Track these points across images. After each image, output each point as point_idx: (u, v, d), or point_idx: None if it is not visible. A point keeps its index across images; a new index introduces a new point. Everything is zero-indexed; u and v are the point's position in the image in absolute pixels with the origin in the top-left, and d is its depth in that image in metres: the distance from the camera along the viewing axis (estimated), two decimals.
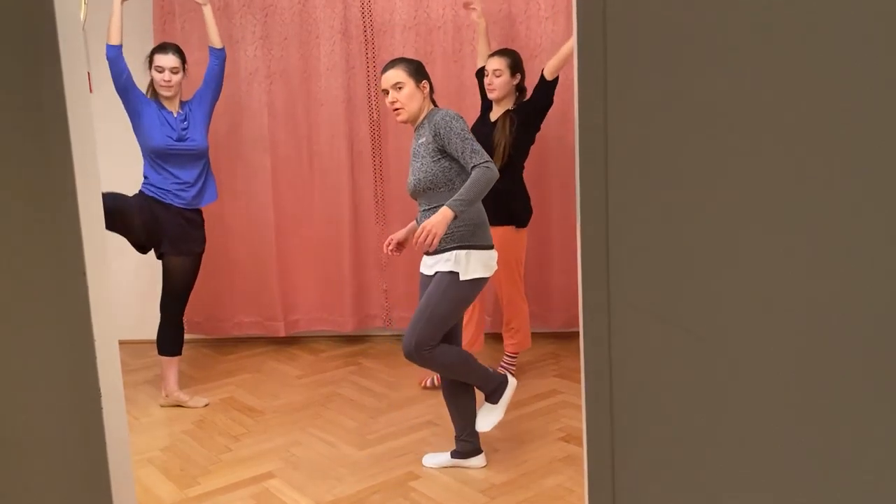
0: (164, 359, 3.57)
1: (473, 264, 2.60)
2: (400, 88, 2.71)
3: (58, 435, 1.21)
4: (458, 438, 2.81)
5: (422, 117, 2.76)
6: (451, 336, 2.74)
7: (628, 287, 1.07)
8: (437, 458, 2.84)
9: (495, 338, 4.44)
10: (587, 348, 1.10)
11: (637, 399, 1.09)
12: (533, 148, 4.23)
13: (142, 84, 3.63)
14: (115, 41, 3.38)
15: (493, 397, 2.75)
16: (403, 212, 4.30)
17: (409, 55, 4.12)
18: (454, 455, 2.81)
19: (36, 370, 1.19)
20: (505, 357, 3.82)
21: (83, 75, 1.18)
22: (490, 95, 3.64)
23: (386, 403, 3.51)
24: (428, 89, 2.77)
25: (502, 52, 3.62)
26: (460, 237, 2.62)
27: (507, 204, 3.54)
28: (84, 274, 1.17)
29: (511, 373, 3.71)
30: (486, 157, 2.56)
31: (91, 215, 1.18)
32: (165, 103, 3.55)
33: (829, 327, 1.02)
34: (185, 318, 4.49)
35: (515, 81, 3.60)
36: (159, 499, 2.68)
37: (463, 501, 2.57)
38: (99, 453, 1.21)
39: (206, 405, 3.58)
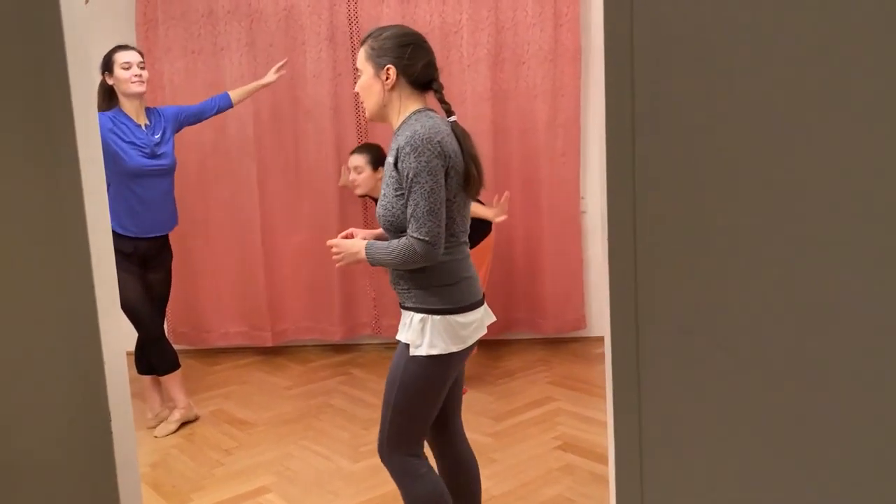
0: (151, 378, 3.47)
1: (432, 336, 1.85)
2: (359, 77, 1.97)
3: (66, 458, 1.16)
4: None
5: (398, 119, 1.94)
6: (448, 422, 2.13)
7: (656, 301, 1.06)
8: None
9: (481, 345, 4.42)
10: (615, 362, 1.08)
11: (666, 413, 1.08)
12: (522, 156, 4.23)
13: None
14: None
15: None
16: None
17: None
18: None
19: (45, 387, 1.14)
20: None
21: (88, 64, 1.14)
22: (356, 192, 3.72)
23: (378, 414, 3.47)
24: (394, 76, 1.89)
25: (362, 149, 3.69)
26: (417, 297, 1.89)
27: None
28: (93, 288, 1.13)
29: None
30: (430, 228, 1.79)
31: (99, 231, 1.14)
32: (129, 110, 3.21)
33: (861, 338, 1.02)
34: (170, 329, 4.42)
35: (379, 175, 3.60)
36: None
37: None
38: (108, 473, 1.17)
39: (178, 424, 3.43)
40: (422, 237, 1.79)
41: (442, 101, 1.98)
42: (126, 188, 3.21)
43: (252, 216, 4.33)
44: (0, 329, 1.13)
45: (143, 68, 3.23)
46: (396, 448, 1.94)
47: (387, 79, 1.90)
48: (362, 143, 3.80)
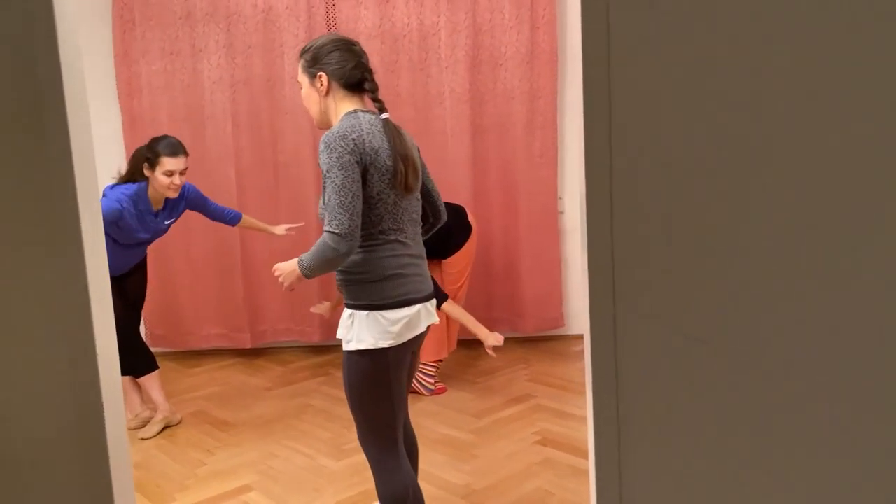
0: (129, 379, 3.47)
1: (359, 331, 1.91)
2: (301, 88, 2.05)
3: (61, 450, 1.18)
4: None
5: (336, 122, 1.99)
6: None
7: (635, 294, 1.10)
8: None
9: (460, 345, 4.46)
10: (594, 357, 1.13)
11: (644, 408, 1.12)
12: (499, 157, 4.28)
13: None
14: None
15: None
16: None
17: (375, 64, 4.14)
18: None
19: (39, 384, 1.16)
20: (423, 366, 3.70)
21: (81, 73, 1.17)
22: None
23: None
24: (327, 82, 1.97)
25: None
26: (349, 293, 1.96)
27: (454, 234, 3.60)
28: (86, 286, 1.15)
29: (427, 385, 3.68)
30: (340, 220, 1.82)
31: (91, 225, 1.17)
32: (152, 196, 3.19)
33: (843, 330, 1.07)
34: (148, 331, 4.41)
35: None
36: None
37: None
38: (103, 471, 1.19)
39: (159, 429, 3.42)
40: (333, 230, 1.82)
41: (375, 99, 2.01)
42: (110, 239, 3.22)
43: None
44: None
45: (183, 174, 3.16)
46: (369, 442, 2.02)
47: (321, 86, 1.98)
48: None
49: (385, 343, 1.92)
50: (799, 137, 1.06)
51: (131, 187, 3.13)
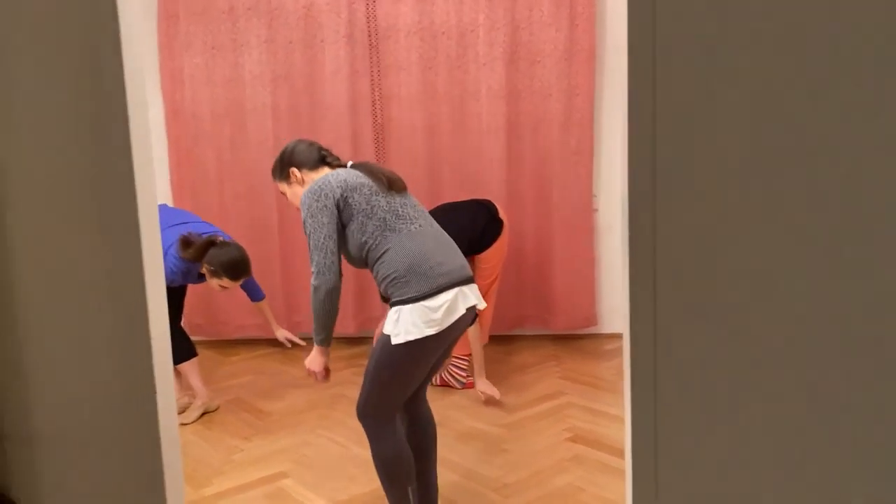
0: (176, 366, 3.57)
1: (404, 324, 2.06)
2: (285, 194, 2.35)
3: (116, 433, 1.24)
4: None
5: None
6: (417, 415, 2.35)
7: (675, 292, 1.12)
8: None
9: (491, 340, 4.49)
10: (633, 348, 1.15)
11: (682, 399, 1.14)
12: (535, 154, 4.29)
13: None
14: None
15: None
16: None
17: (414, 60, 4.18)
18: None
19: (97, 369, 1.22)
20: (456, 360, 3.74)
21: (142, 79, 1.22)
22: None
23: None
24: (299, 173, 2.27)
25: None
26: (392, 294, 2.12)
27: (486, 230, 3.61)
28: (142, 276, 1.20)
29: (459, 378, 3.71)
30: (317, 261, 2.10)
31: (147, 217, 1.22)
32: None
33: (882, 327, 1.08)
34: (186, 321, 4.51)
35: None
36: None
37: (476, 499, 2.61)
38: (154, 449, 1.24)
39: (199, 416, 3.51)
40: (313, 270, 2.12)
41: (332, 163, 2.33)
42: None
43: (269, 210, 4.41)
44: (60, 314, 1.21)
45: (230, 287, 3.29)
46: (370, 415, 2.17)
47: (296, 179, 2.29)
48: None
49: (431, 330, 2.07)
50: (850, 136, 1.06)
51: (183, 266, 3.20)
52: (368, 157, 4.35)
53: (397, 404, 2.19)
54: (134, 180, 1.19)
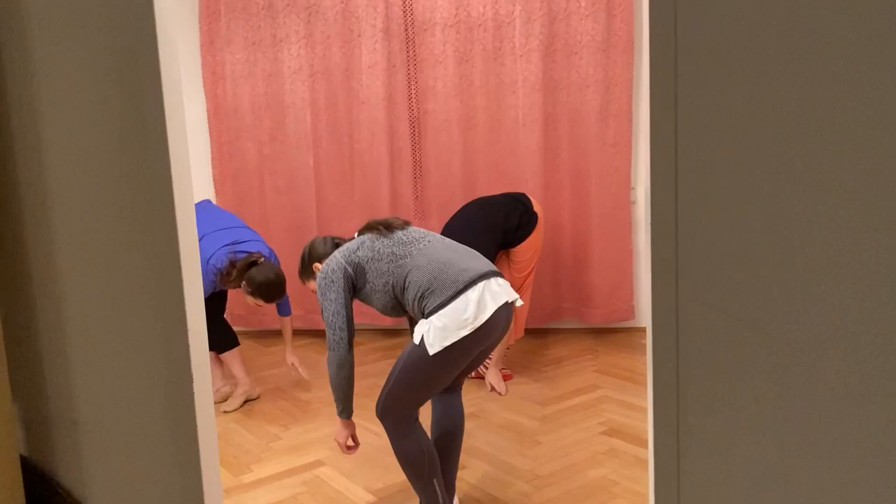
0: (214, 354, 3.65)
1: (436, 332, 2.12)
2: (315, 292, 2.45)
3: (155, 419, 1.29)
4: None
5: None
6: (450, 404, 2.43)
7: (697, 285, 1.12)
8: None
9: (528, 333, 4.49)
10: (656, 347, 1.15)
11: (704, 396, 1.14)
12: (571, 147, 4.27)
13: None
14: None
15: None
16: (442, 208, 4.37)
17: (450, 53, 4.19)
18: None
19: (137, 358, 1.27)
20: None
21: (178, 77, 1.26)
22: None
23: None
24: (320, 266, 2.45)
25: None
26: (426, 306, 2.20)
27: (520, 226, 3.62)
28: (180, 269, 1.24)
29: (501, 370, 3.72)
30: (328, 337, 2.27)
31: (184, 222, 1.26)
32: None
33: None
34: (228, 311, 4.61)
35: None
36: None
37: (508, 491, 2.63)
38: (191, 435, 1.29)
39: (242, 404, 3.59)
40: (327, 348, 2.30)
41: (340, 244, 2.51)
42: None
43: (308, 204, 4.48)
44: (101, 306, 1.26)
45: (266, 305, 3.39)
46: (388, 414, 2.24)
47: (317, 269, 2.47)
48: None
49: (465, 331, 2.12)
50: (872, 131, 1.05)
51: (216, 285, 3.30)
52: (404, 150, 4.38)
53: (419, 406, 2.24)
54: (171, 178, 1.23)
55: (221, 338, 3.57)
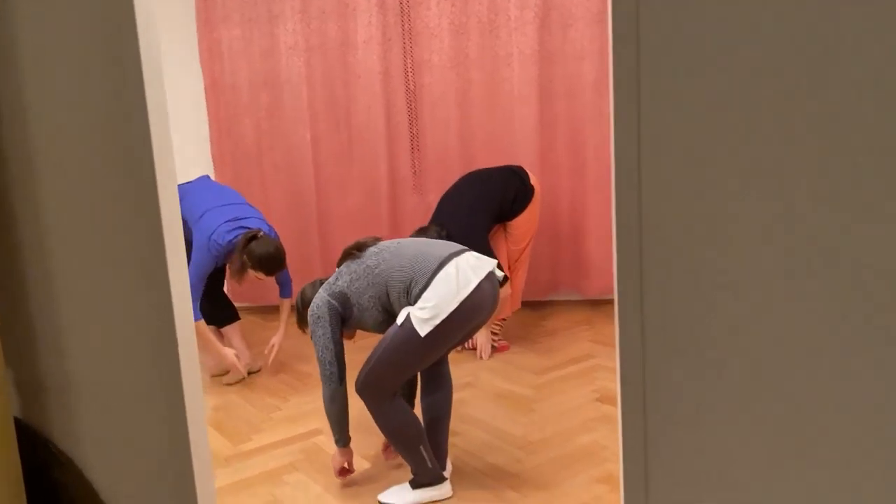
0: (215, 328, 3.71)
1: (422, 316, 2.20)
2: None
3: (140, 383, 1.34)
4: (413, 472, 2.44)
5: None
6: (437, 374, 2.49)
7: (660, 243, 1.15)
8: (397, 493, 2.42)
9: (525, 305, 4.53)
10: (621, 305, 1.19)
11: (670, 353, 1.18)
12: (568, 119, 4.28)
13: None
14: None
15: (415, 483, 2.41)
16: (439, 182, 4.39)
17: (445, 26, 4.19)
18: (414, 484, 2.42)
19: (125, 323, 1.32)
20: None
21: (159, 61, 1.29)
22: None
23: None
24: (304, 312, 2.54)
25: None
26: (412, 296, 2.28)
27: (515, 198, 3.64)
28: (162, 237, 1.28)
29: (492, 342, 3.77)
30: (320, 370, 2.36)
31: (166, 188, 1.30)
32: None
33: (868, 282, 1.09)
34: (228, 287, 4.66)
35: None
36: (215, 453, 2.85)
37: (501, 456, 2.68)
38: (177, 396, 1.34)
39: (244, 377, 3.64)
40: (321, 379, 2.38)
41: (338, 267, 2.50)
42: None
43: (306, 179, 4.51)
44: (88, 275, 1.30)
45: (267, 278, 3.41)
46: (368, 391, 2.30)
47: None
48: None
49: (453, 305, 2.18)
50: (843, 112, 1.07)
51: (225, 247, 3.31)
52: (402, 125, 4.40)
53: (399, 384, 2.31)
54: (152, 146, 1.26)
55: (222, 312, 3.64)
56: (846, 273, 1.10)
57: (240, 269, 3.32)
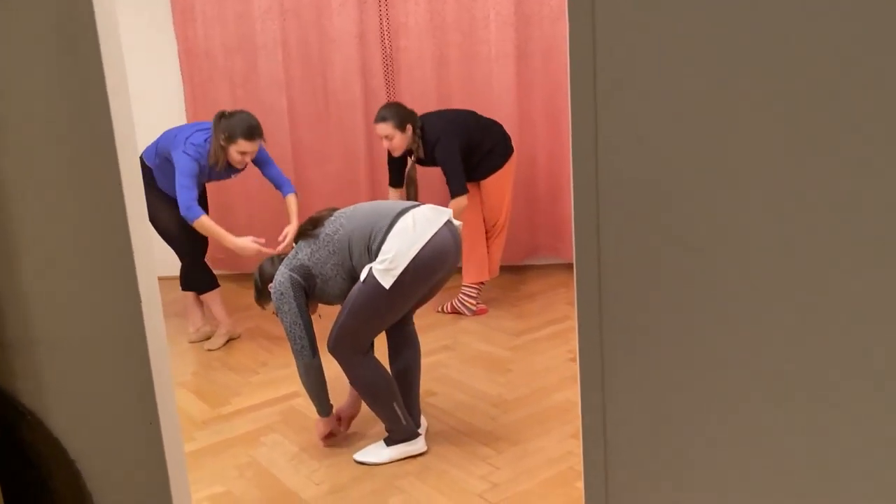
0: (195, 295, 3.71)
1: (395, 257, 2.23)
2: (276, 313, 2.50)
3: (105, 338, 1.34)
4: (387, 430, 2.49)
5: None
6: (403, 334, 2.54)
7: (618, 201, 1.16)
8: (373, 451, 2.46)
9: (504, 270, 4.56)
10: (578, 260, 1.20)
11: (627, 313, 1.19)
12: (547, 81, 4.26)
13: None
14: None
15: (390, 441, 2.45)
16: None
17: None
18: (388, 442, 2.47)
19: (88, 280, 1.32)
20: (466, 288, 3.82)
21: (116, 31, 1.27)
22: (395, 155, 3.63)
23: None
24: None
25: (383, 118, 3.53)
26: (372, 252, 2.30)
27: (490, 154, 3.66)
28: (122, 192, 1.28)
29: (469, 306, 3.80)
30: (291, 345, 2.39)
31: (128, 161, 1.29)
32: (218, 162, 3.41)
33: (832, 235, 1.11)
34: (210, 255, 4.65)
35: (409, 132, 3.55)
36: (193, 417, 2.87)
37: (476, 414, 2.72)
38: (142, 352, 1.35)
39: (225, 342, 3.66)
40: (294, 357, 2.41)
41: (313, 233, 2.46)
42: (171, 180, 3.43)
43: (284, 146, 4.47)
44: (48, 231, 1.30)
45: (252, 154, 3.40)
46: (342, 347, 2.35)
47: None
48: (380, 109, 3.59)
49: (413, 250, 2.19)
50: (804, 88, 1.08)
51: (203, 146, 3.31)
52: (378, 89, 4.36)
53: (371, 338, 2.35)
54: (109, 105, 1.25)
55: (202, 279, 3.64)
56: (818, 232, 1.11)
57: (220, 150, 3.32)
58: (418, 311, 3.31)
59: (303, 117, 4.45)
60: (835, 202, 1.08)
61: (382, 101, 4.38)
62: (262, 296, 2.57)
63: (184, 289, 3.70)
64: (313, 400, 2.45)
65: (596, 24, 1.12)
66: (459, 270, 3.85)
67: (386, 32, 4.29)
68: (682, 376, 1.21)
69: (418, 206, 2.36)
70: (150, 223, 3.14)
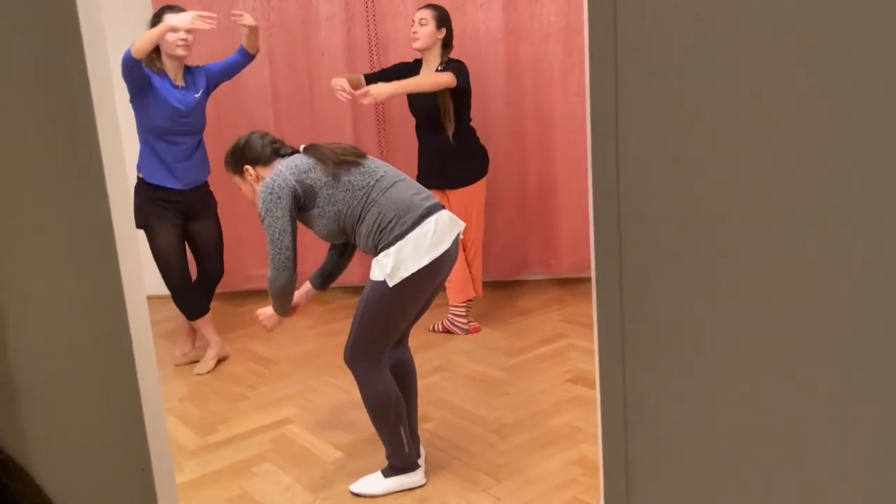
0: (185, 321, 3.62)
1: (396, 263, 2.16)
2: (240, 188, 2.52)
3: (93, 381, 1.26)
4: (388, 457, 2.41)
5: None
6: (400, 359, 2.45)
7: (640, 225, 1.11)
8: (370, 483, 2.38)
9: (496, 286, 4.50)
10: (599, 288, 1.14)
11: (649, 336, 1.14)
12: (536, 94, 4.23)
13: None
14: (138, 56, 3.12)
15: (389, 471, 2.37)
16: (407, 160, 4.30)
17: (409, 2, 4.08)
18: (387, 473, 2.39)
19: (73, 319, 1.24)
20: (454, 308, 3.76)
21: (105, 48, 1.20)
22: (414, 44, 3.61)
23: None
24: (253, 171, 2.39)
25: (430, 5, 3.61)
26: (383, 238, 2.21)
27: (468, 163, 3.65)
28: (112, 231, 1.20)
29: (460, 325, 3.74)
30: (272, 256, 2.26)
31: (116, 174, 1.21)
32: (169, 69, 3.35)
33: (872, 251, 1.06)
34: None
35: (441, 35, 3.58)
36: (181, 445, 2.77)
37: (474, 440, 2.65)
38: (133, 396, 1.26)
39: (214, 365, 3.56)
40: (269, 264, 2.28)
41: (285, 154, 2.38)
42: (155, 146, 3.33)
43: None
44: (31, 262, 1.22)
45: (189, 32, 3.25)
46: (358, 356, 2.28)
47: (252, 178, 2.38)
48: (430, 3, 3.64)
49: (425, 259, 2.16)
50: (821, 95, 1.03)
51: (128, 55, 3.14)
52: (367, 106, 4.29)
53: (386, 346, 2.28)
54: (97, 127, 1.18)
55: (193, 306, 3.54)
56: (843, 253, 1.06)
57: (154, 56, 3.26)
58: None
59: (290, 131, 4.35)
60: (877, 225, 1.03)
61: (371, 115, 4.32)
62: (234, 166, 2.40)
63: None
64: (279, 306, 2.38)
65: (618, 72, 1.07)
66: (445, 290, 3.78)
67: (374, 47, 4.24)
68: (713, 408, 1.15)
69: (440, 207, 2.29)
70: (145, 237, 3.00)
